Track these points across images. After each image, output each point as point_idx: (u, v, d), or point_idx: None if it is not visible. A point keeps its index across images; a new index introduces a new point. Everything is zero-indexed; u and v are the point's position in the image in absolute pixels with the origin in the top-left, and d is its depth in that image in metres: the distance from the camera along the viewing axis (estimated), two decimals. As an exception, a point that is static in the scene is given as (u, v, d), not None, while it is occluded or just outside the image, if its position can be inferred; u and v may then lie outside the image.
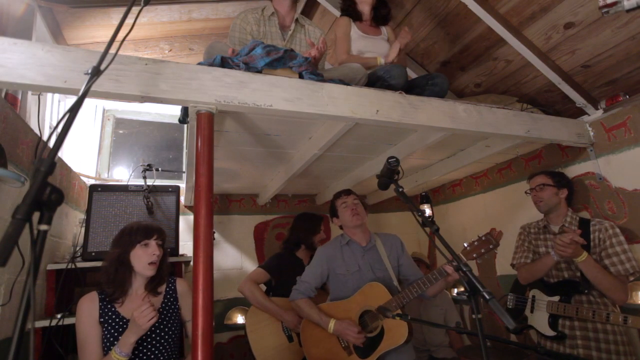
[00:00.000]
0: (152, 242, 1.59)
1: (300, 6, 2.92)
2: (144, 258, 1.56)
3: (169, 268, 1.73)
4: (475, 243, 1.69)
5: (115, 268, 1.55)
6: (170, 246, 2.28)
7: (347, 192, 2.15)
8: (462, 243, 1.74)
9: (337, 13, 2.51)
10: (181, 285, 1.72)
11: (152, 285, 1.63)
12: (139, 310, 1.41)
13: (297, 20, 2.16)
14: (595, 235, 1.91)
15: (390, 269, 2.01)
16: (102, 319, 1.51)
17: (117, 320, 1.52)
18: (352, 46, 2.30)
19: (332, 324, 1.88)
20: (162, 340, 1.57)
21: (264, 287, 2.47)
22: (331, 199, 2.20)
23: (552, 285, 1.98)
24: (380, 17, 2.41)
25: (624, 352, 1.77)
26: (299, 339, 2.25)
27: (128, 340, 1.41)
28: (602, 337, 1.80)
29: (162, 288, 1.68)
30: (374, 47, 2.32)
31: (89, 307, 1.52)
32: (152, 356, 1.53)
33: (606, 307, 1.84)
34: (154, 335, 1.56)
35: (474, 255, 1.68)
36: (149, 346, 1.54)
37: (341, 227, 2.17)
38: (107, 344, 1.47)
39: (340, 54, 2.26)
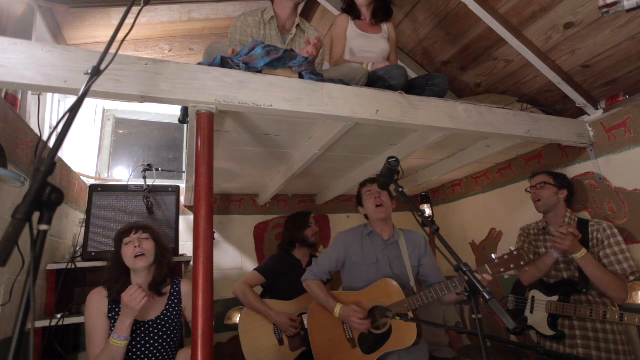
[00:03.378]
0: (133, 237, 1.65)
1: (300, 6, 2.91)
2: (128, 252, 1.63)
3: (170, 265, 1.74)
4: (506, 257, 1.58)
5: (111, 268, 1.66)
6: (170, 246, 2.28)
7: (373, 180, 2.09)
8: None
9: (337, 13, 2.51)
10: (186, 286, 1.74)
11: (155, 285, 1.65)
12: (128, 294, 1.46)
13: (298, 25, 2.15)
14: (593, 236, 1.91)
15: (409, 268, 1.96)
16: (110, 314, 1.57)
17: None
18: (349, 44, 2.28)
19: (338, 308, 1.86)
20: (164, 343, 1.58)
21: (260, 290, 2.47)
22: (358, 187, 2.15)
23: (551, 286, 1.98)
24: (379, 13, 2.34)
25: (624, 352, 1.78)
26: (290, 342, 2.25)
27: (124, 324, 1.46)
28: (601, 337, 1.81)
29: (167, 289, 1.70)
30: (371, 46, 2.30)
31: (98, 300, 1.59)
32: (153, 358, 1.54)
33: (605, 306, 1.84)
34: (156, 338, 1.57)
35: (502, 270, 1.56)
36: (151, 348, 1.55)
37: (366, 217, 2.11)
38: None
39: (334, 55, 2.26)
